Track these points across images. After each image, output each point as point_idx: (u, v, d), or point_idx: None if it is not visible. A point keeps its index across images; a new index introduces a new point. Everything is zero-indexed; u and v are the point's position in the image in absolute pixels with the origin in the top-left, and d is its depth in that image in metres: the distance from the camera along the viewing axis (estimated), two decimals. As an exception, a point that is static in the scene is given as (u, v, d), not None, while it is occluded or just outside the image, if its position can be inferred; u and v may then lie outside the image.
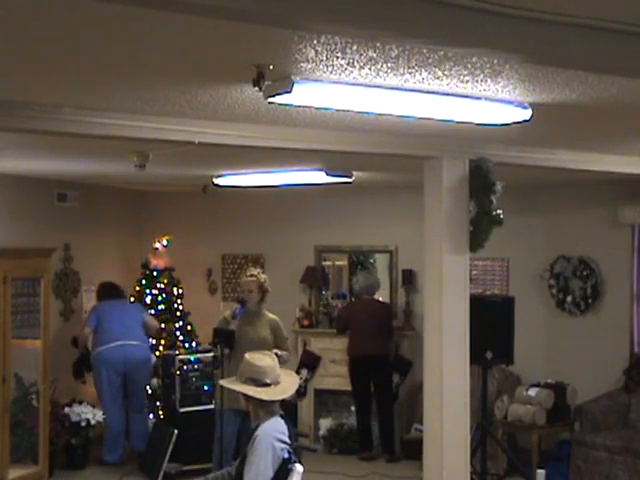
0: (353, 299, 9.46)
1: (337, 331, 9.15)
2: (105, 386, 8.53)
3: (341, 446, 9.18)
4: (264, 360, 4.70)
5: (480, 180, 5.94)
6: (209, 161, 7.25)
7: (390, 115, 4.67)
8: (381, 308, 9.19)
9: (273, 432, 4.52)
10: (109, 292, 8.84)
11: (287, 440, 4.54)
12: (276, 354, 6.79)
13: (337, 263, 10.07)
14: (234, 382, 4.73)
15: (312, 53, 3.39)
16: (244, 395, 4.64)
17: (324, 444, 9.23)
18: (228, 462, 6.68)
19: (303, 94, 3.89)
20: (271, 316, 7.15)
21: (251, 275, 7.15)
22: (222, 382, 4.94)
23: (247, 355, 4.79)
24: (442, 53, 3.41)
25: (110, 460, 8.47)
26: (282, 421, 4.61)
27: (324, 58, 3.47)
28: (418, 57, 3.48)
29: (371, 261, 9.88)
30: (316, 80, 3.84)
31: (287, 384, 4.72)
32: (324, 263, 9.97)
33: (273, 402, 4.62)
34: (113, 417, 8.49)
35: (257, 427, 4.59)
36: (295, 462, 4.55)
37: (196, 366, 8.16)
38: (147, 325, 8.76)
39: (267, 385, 4.59)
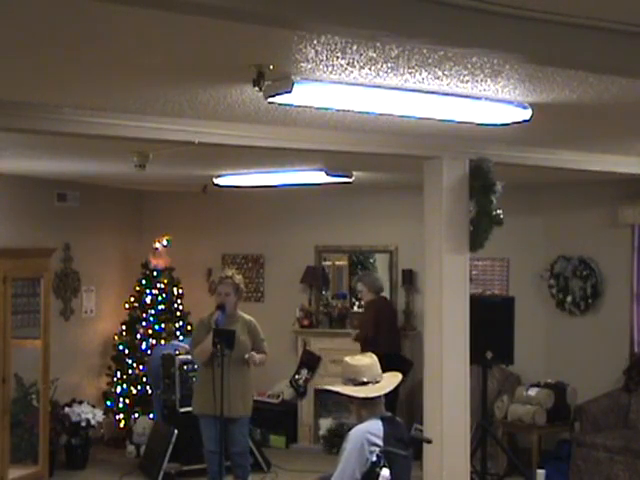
0: (376, 297, 8.99)
1: (366, 337, 8.57)
2: None
3: (341, 446, 9.14)
4: (361, 360, 4.61)
5: (480, 180, 5.94)
6: (209, 161, 7.25)
7: (390, 115, 4.67)
8: (391, 305, 9.19)
9: (365, 433, 4.41)
10: None
11: (379, 442, 4.39)
12: (252, 358, 6.75)
13: (337, 263, 10.06)
14: (335, 384, 4.62)
15: (312, 53, 3.39)
16: (347, 397, 4.53)
17: (324, 444, 9.23)
18: (220, 464, 6.62)
19: (303, 94, 3.89)
20: (247, 318, 6.91)
21: (226, 277, 6.88)
22: (327, 386, 4.80)
23: (347, 357, 4.68)
24: (442, 53, 3.41)
25: None
26: (380, 423, 4.45)
27: (324, 58, 3.47)
28: (418, 57, 3.48)
29: (371, 261, 9.87)
30: (316, 80, 3.84)
31: (386, 382, 4.59)
32: (324, 263, 9.96)
33: (372, 400, 4.49)
34: None
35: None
36: (384, 466, 4.36)
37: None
38: None
39: (365, 384, 4.50)
